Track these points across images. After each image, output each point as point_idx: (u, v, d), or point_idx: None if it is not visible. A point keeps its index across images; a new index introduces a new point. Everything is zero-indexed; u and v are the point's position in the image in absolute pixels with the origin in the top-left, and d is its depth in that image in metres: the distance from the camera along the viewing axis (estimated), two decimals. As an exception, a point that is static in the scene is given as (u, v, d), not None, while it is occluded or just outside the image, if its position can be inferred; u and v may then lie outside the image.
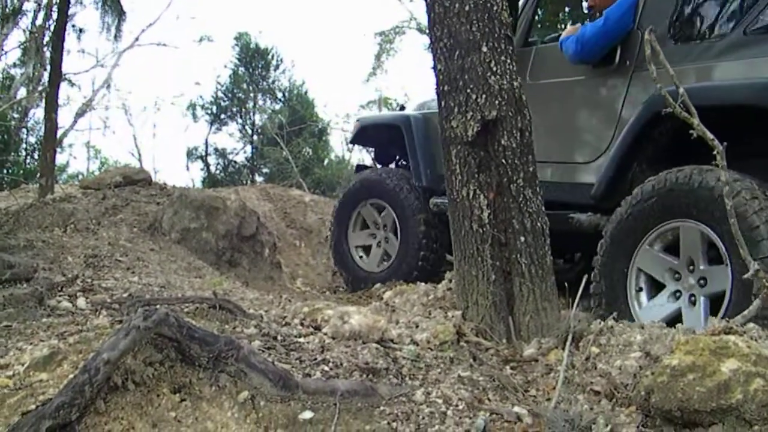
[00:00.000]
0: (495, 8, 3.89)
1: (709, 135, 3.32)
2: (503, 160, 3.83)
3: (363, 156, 21.75)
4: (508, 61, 3.90)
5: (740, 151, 3.90)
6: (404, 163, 7.08)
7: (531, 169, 3.90)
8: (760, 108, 4.03)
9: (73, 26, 18.25)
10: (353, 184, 7.10)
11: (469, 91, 3.83)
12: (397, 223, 6.54)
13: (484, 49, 3.84)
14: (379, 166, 7.55)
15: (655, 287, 4.39)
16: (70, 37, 17.82)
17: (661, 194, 4.24)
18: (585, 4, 9.81)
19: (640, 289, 4.42)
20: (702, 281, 4.13)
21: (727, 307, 3.85)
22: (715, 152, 3.29)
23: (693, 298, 4.16)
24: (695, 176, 4.10)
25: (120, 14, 18.27)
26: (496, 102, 3.80)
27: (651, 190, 4.30)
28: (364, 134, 7.44)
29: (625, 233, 4.44)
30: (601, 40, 4.89)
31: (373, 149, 8.06)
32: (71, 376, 2.44)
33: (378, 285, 6.35)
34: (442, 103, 3.96)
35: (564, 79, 5.32)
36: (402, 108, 7.77)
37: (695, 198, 4.07)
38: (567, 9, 10.50)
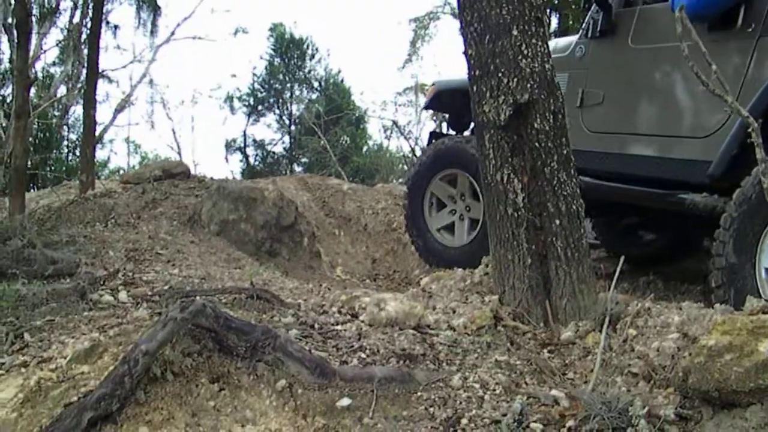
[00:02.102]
0: (525, -10, 3.86)
1: (744, 113, 3.24)
2: (536, 144, 3.81)
3: (402, 143, 21.72)
4: (540, 43, 3.87)
5: None
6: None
7: (565, 152, 3.87)
8: None
9: (108, 23, 18.39)
10: (421, 162, 6.67)
11: (500, 75, 3.81)
12: (476, 187, 5.99)
13: (515, 32, 3.81)
14: (453, 133, 7.08)
15: None
16: (106, 34, 18.00)
17: None
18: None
19: None
20: None
21: None
22: (750, 130, 3.21)
23: None
24: None
25: (155, 9, 18.43)
26: (528, 85, 3.78)
27: None
28: (439, 99, 6.90)
29: (751, 215, 4.03)
30: None
31: (448, 115, 7.50)
32: (111, 368, 2.48)
33: (416, 272, 6.29)
34: (474, 88, 3.94)
35: (674, 43, 4.42)
36: None
37: None
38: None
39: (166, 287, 4.06)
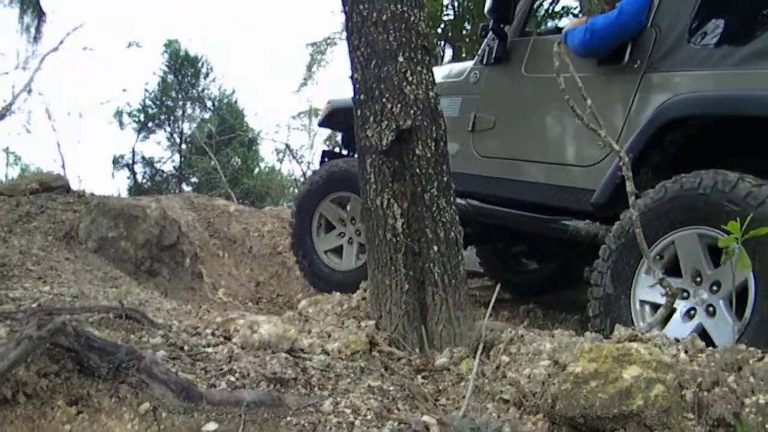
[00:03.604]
0: (412, 18, 3.90)
1: (615, 147, 3.36)
2: (417, 170, 3.84)
3: (294, 167, 21.68)
4: (425, 71, 3.91)
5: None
6: None
7: (445, 178, 3.91)
8: None
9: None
10: (311, 182, 6.64)
11: (384, 100, 3.83)
12: None
13: (401, 59, 3.84)
14: (344, 152, 7.16)
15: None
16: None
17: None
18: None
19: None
20: (715, 287, 3.90)
21: (756, 299, 3.65)
22: (621, 164, 3.32)
23: (711, 308, 3.89)
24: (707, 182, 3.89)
25: (40, 15, 17.86)
26: (411, 112, 3.81)
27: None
28: (333, 118, 6.93)
29: (628, 248, 4.13)
30: (613, 33, 4.62)
31: (342, 134, 7.57)
32: (-42, 388, 2.35)
33: (299, 296, 6.26)
34: (358, 112, 3.95)
35: (565, 74, 4.61)
36: None
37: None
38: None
39: (35, 305, 3.89)
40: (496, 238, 6.58)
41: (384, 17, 3.85)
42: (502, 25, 5.43)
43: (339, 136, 8.00)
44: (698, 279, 3.96)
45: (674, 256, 4.05)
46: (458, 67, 6.10)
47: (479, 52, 5.74)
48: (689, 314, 3.96)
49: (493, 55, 5.51)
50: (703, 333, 3.77)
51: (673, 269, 4.02)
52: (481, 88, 5.64)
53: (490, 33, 5.51)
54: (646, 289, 4.02)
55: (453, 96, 5.74)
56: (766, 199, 3.61)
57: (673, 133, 4.33)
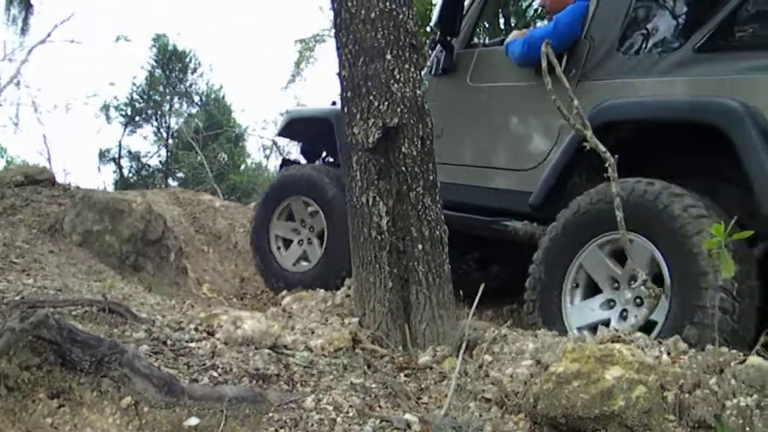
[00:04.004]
0: (401, 16, 3.90)
1: (602, 148, 3.40)
2: (403, 168, 3.85)
3: (276, 163, 21.63)
4: (412, 69, 3.92)
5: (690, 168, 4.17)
6: (331, 160, 6.91)
7: (431, 177, 3.92)
8: (706, 126, 4.02)
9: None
10: (278, 180, 6.88)
11: (371, 98, 3.83)
12: (326, 227, 6.23)
13: (388, 56, 3.85)
14: (304, 161, 7.32)
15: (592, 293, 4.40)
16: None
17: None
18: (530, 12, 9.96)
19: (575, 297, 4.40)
20: (632, 281, 4.10)
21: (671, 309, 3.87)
22: (606, 164, 3.37)
23: (639, 300, 4.10)
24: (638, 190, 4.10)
25: (27, 6, 17.73)
26: (398, 109, 3.82)
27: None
28: (292, 127, 7.16)
29: (560, 249, 4.41)
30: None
31: (300, 144, 7.78)
32: (-62, 380, 2.34)
33: (284, 292, 6.25)
34: (345, 110, 3.96)
35: (507, 83, 5.28)
36: (334, 104, 7.52)
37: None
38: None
39: (17, 297, 3.87)
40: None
41: (372, 15, 3.86)
42: (449, 38, 5.64)
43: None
44: (616, 285, 4.21)
45: (588, 276, 4.35)
46: None
47: (428, 63, 5.92)
48: (623, 316, 4.16)
49: (441, 66, 5.71)
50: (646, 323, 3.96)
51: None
52: (431, 97, 5.51)
53: (438, 45, 5.73)
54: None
55: None
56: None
57: (603, 138, 4.36)
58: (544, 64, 3.59)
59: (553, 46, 4.43)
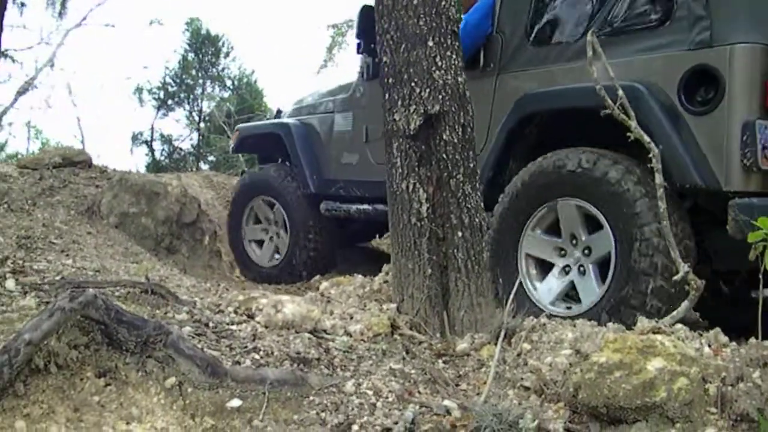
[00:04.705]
0: (443, 3, 3.90)
1: (646, 138, 3.39)
2: (444, 155, 3.84)
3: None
4: (454, 56, 3.91)
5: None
6: (288, 164, 7.13)
7: (471, 165, 3.91)
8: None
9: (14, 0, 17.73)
10: (244, 180, 7.37)
11: (413, 84, 3.83)
12: (286, 219, 6.72)
13: (430, 43, 3.84)
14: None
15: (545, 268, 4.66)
16: (12, 11, 17.32)
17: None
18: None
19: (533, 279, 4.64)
20: (587, 251, 4.40)
21: (615, 265, 4.15)
22: (650, 155, 3.36)
23: (582, 269, 4.41)
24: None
25: (66, -9, 17.87)
26: (440, 96, 3.81)
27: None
28: (245, 143, 7.68)
29: (502, 235, 4.68)
30: (462, 44, 4.69)
31: (257, 155, 8.32)
32: (-10, 357, 2.37)
33: (317, 277, 6.36)
34: (386, 96, 3.95)
35: None
36: (279, 113, 7.99)
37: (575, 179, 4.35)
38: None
39: (58, 277, 3.92)
40: None
41: (414, 1, 3.86)
42: (372, 45, 5.70)
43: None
44: (574, 241, 4.46)
45: (556, 219, 4.57)
46: (346, 83, 6.66)
47: (360, 68, 6.28)
48: (565, 270, 4.50)
49: (371, 71, 5.98)
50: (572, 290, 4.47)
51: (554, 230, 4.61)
52: (366, 101, 6.17)
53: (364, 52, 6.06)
54: (531, 243, 4.59)
55: (345, 111, 6.46)
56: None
57: (529, 127, 4.78)
58: (589, 53, 3.57)
59: (466, 45, 4.58)
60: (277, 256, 6.91)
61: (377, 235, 7.52)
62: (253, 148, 8.12)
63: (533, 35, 4.90)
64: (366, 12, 5.61)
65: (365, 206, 6.04)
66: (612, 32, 4.49)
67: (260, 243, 7.10)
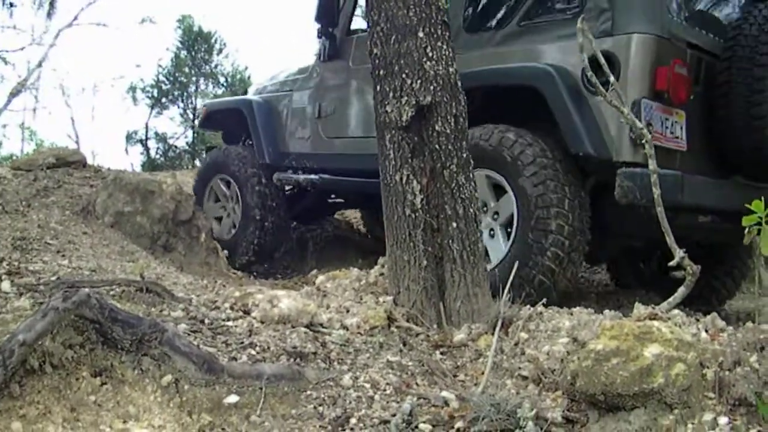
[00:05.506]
0: (432, -6, 3.88)
1: (639, 125, 3.42)
2: (437, 146, 3.83)
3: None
4: (444, 46, 3.89)
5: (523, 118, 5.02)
6: (250, 143, 7.60)
7: (464, 155, 3.90)
8: (529, 87, 4.89)
9: (4, 1, 17.64)
10: (204, 163, 8.02)
11: (404, 76, 3.82)
12: (239, 195, 7.30)
13: (421, 34, 3.83)
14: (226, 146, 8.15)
15: None
16: (1, 13, 17.23)
17: None
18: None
19: None
20: (495, 215, 5.11)
21: (517, 224, 4.81)
22: (644, 141, 3.37)
23: (492, 232, 5.09)
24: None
25: (54, -10, 17.79)
26: (431, 87, 3.80)
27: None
28: (211, 119, 8.25)
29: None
30: None
31: (222, 132, 8.76)
32: (-16, 358, 2.36)
33: (314, 271, 6.39)
34: (377, 88, 3.94)
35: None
36: (245, 92, 8.49)
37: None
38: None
39: (54, 278, 3.91)
40: (363, 205, 8.20)
41: (404, -8, 3.84)
42: (329, 29, 6.63)
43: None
44: (485, 208, 5.10)
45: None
46: (305, 65, 7.29)
47: (317, 50, 6.94)
48: (491, 235, 5.12)
49: (327, 53, 6.72)
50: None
51: None
52: (322, 81, 6.93)
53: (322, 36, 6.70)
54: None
55: (302, 90, 7.12)
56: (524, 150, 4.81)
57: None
58: (580, 40, 3.62)
59: None
60: (233, 230, 7.43)
61: (326, 215, 8.59)
62: (219, 125, 8.55)
63: (466, 23, 5.58)
64: None
65: (312, 176, 6.71)
66: (537, 22, 5.16)
67: (219, 219, 7.62)
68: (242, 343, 3.03)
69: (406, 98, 3.80)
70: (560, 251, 4.64)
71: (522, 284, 4.46)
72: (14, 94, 19.22)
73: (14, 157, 17.01)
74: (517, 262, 4.29)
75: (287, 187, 7.37)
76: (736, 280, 6.20)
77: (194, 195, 7.41)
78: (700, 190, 4.47)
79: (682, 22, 4.93)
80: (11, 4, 18.10)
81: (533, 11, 5.20)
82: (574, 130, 4.68)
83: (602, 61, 3.81)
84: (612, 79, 3.87)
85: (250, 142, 7.58)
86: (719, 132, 4.89)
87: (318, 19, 6.56)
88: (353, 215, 9.50)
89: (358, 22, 7.08)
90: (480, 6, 5.61)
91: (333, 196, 7.86)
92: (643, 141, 3.37)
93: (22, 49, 19.05)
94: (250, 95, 8.11)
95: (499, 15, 5.44)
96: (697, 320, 3.21)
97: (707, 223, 4.59)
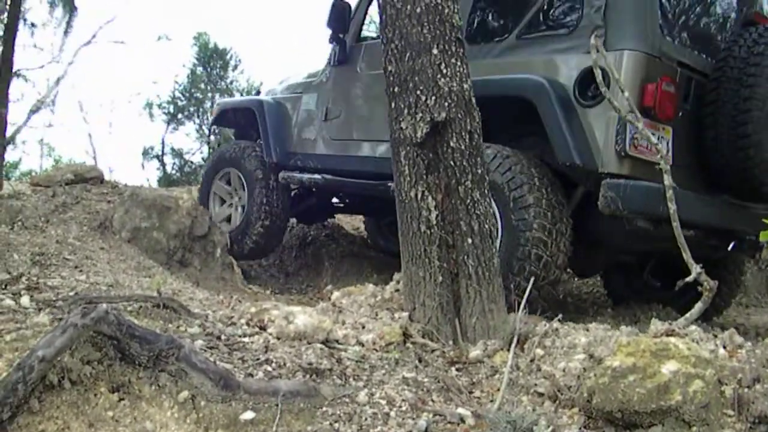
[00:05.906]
0: (446, 11, 3.89)
1: (654, 140, 3.42)
2: (452, 162, 3.84)
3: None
4: (459, 63, 3.90)
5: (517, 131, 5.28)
6: (261, 141, 7.68)
7: (479, 171, 3.91)
8: (523, 98, 5.05)
9: (25, 20, 17.81)
10: (218, 152, 8.16)
11: (419, 92, 3.83)
12: (244, 182, 7.39)
13: (435, 51, 3.84)
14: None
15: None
16: (23, 33, 17.42)
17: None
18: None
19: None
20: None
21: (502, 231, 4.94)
22: (659, 157, 3.37)
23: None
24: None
25: (71, 9, 17.94)
26: (446, 104, 3.81)
27: None
28: (224, 116, 8.43)
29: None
30: None
31: (234, 130, 8.99)
32: (5, 374, 2.39)
33: (330, 287, 6.40)
34: (392, 105, 3.95)
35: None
36: (258, 93, 8.67)
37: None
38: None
39: (72, 293, 3.94)
40: (362, 210, 8.54)
41: (418, 10, 3.85)
42: (340, 35, 6.81)
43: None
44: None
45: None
46: (316, 69, 7.40)
47: (328, 55, 7.06)
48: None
49: (337, 58, 6.90)
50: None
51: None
52: (331, 85, 7.05)
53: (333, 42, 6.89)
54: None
55: (311, 93, 7.25)
56: None
57: None
58: (594, 56, 3.64)
59: None
60: (227, 224, 7.50)
61: (327, 216, 8.74)
62: (231, 123, 8.71)
63: (469, 35, 5.59)
64: (336, 5, 6.64)
65: (316, 176, 6.84)
66: (534, 36, 5.36)
67: (222, 201, 7.69)
68: (258, 359, 3.04)
69: (420, 115, 3.81)
70: (539, 249, 4.79)
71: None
72: (34, 111, 19.37)
73: (33, 173, 17.15)
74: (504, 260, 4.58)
75: (293, 186, 7.47)
76: (731, 290, 6.21)
77: (204, 174, 8.03)
78: (683, 204, 4.48)
79: (674, 42, 5.07)
80: (32, 24, 18.26)
81: (532, 26, 5.42)
82: (562, 141, 4.84)
83: (599, 78, 4.07)
84: (615, 93, 4.11)
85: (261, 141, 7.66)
86: (707, 149, 5.01)
87: (329, 24, 6.75)
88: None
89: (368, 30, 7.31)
90: (482, 18, 5.86)
91: (336, 200, 8.11)
92: (658, 157, 3.38)
93: (41, 67, 19.19)
94: (263, 96, 8.35)
95: (500, 27, 5.75)
96: (715, 336, 3.20)
97: (690, 237, 4.59)
